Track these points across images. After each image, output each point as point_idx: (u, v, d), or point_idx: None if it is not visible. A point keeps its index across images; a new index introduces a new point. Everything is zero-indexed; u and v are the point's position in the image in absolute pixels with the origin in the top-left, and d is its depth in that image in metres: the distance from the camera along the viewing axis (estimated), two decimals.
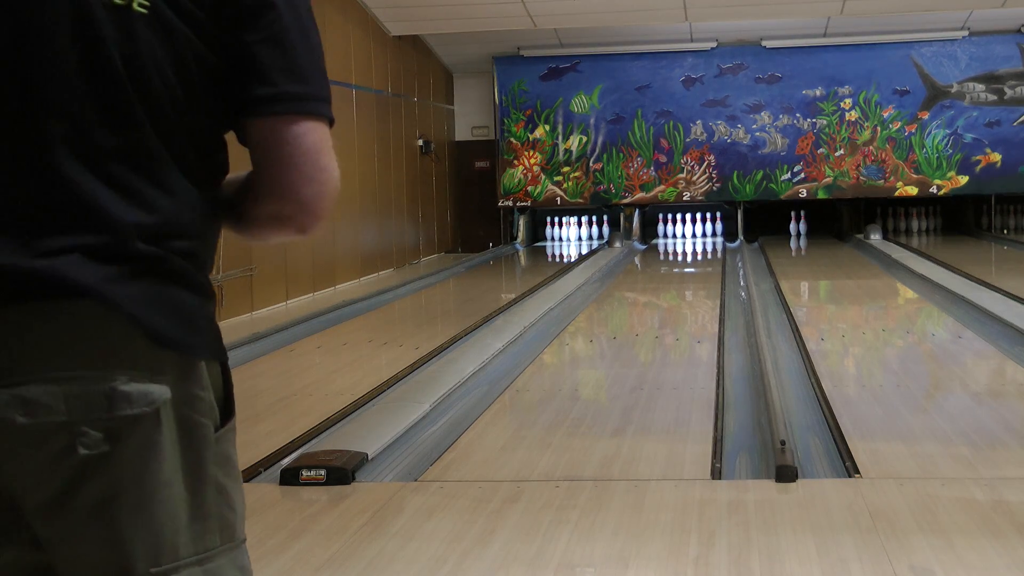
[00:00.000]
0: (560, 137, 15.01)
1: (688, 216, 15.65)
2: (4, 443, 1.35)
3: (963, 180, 14.52)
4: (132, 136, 1.39)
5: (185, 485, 1.42)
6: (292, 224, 1.50)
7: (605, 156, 14.97)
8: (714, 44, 14.63)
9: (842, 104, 14.62)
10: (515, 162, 15.09)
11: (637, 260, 13.50)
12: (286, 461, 4.32)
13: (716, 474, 4.14)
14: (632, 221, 15.35)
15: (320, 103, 1.48)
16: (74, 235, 1.36)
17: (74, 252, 1.35)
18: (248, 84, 1.44)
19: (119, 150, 1.38)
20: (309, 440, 4.69)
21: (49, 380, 1.34)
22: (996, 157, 14.43)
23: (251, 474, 4.20)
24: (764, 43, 14.54)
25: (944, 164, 14.51)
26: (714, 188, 14.87)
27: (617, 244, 14.34)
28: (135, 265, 1.37)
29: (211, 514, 1.45)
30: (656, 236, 15.68)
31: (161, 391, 1.38)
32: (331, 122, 1.51)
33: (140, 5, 1.38)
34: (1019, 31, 14.22)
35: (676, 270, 13.06)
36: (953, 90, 14.42)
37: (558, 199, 15.07)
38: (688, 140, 14.85)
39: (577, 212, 15.55)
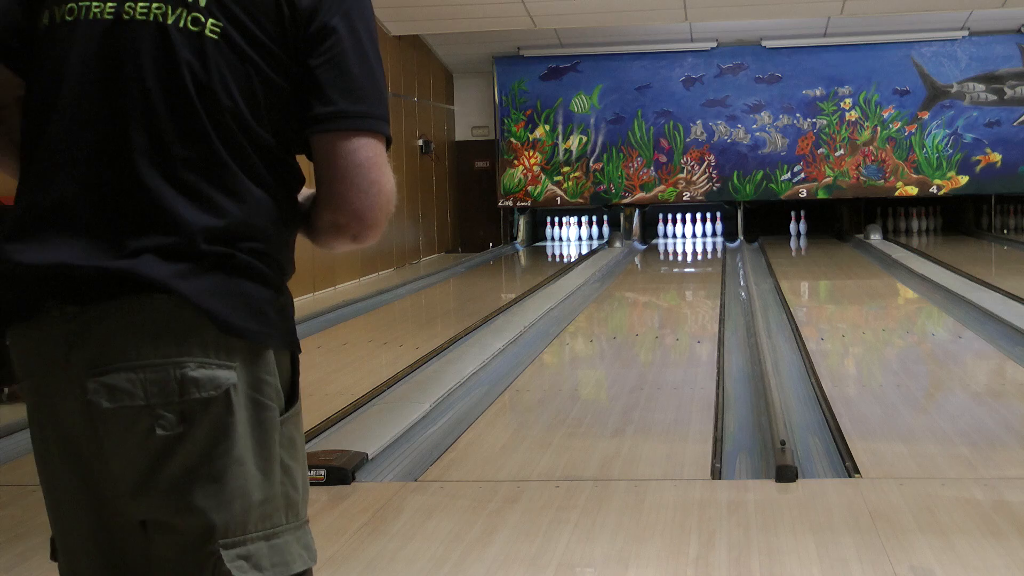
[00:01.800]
0: (560, 137, 15.01)
1: (688, 216, 15.65)
2: (99, 428, 1.52)
3: (963, 180, 14.52)
4: (201, 147, 1.54)
5: (255, 464, 1.55)
6: (347, 232, 1.64)
7: (605, 156, 14.96)
8: (714, 44, 14.62)
9: (842, 104, 14.62)
10: (515, 162, 15.09)
11: (637, 260, 13.50)
12: None
13: (716, 474, 4.14)
14: (632, 221, 15.34)
15: (374, 121, 1.60)
16: (149, 237, 1.51)
17: (149, 252, 1.50)
18: (310, 103, 1.59)
19: (191, 160, 1.53)
20: (309, 440, 4.69)
21: (129, 368, 1.50)
22: (996, 157, 14.42)
23: None
24: (764, 43, 14.54)
25: (944, 164, 14.51)
26: (714, 188, 14.87)
27: (617, 244, 14.33)
28: (204, 262, 1.52)
29: (277, 493, 1.58)
30: (656, 236, 15.67)
31: (228, 376, 1.52)
32: (388, 139, 1.63)
33: (211, 32, 1.55)
34: (1019, 31, 14.21)
35: (676, 270, 13.06)
36: (953, 90, 14.41)
37: (558, 199, 15.06)
38: (688, 140, 14.84)
39: (577, 212, 15.55)
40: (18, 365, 1.61)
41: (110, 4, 1.57)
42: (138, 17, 1.56)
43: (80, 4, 1.59)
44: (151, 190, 1.52)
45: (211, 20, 1.55)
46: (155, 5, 1.56)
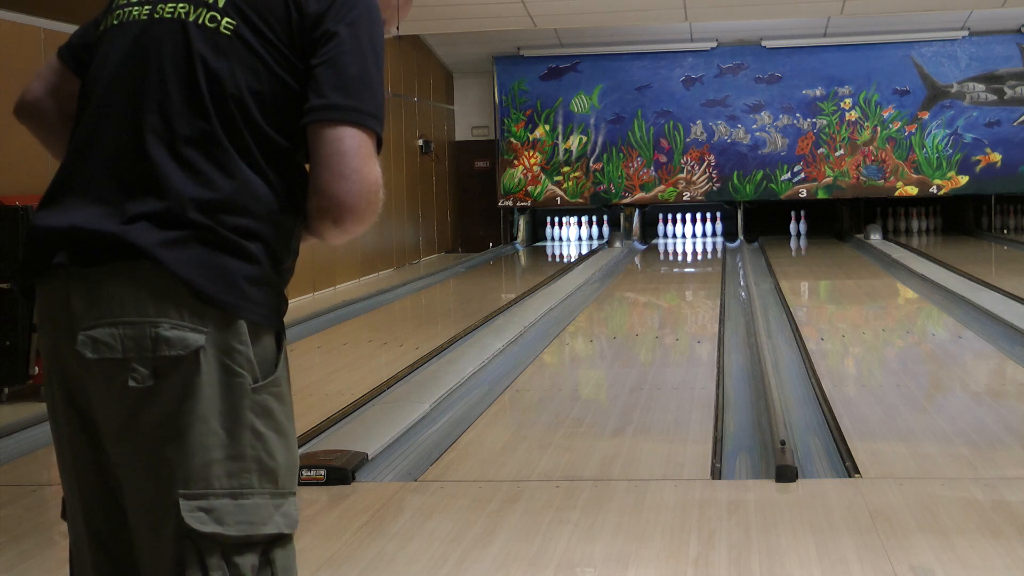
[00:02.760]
0: (560, 137, 15.01)
1: (688, 216, 15.64)
2: (86, 376, 1.69)
3: (963, 180, 14.52)
4: (202, 127, 1.70)
5: (221, 424, 1.66)
6: (328, 217, 1.73)
7: (605, 156, 14.96)
8: (714, 44, 14.63)
9: (842, 104, 14.62)
10: (515, 162, 15.09)
11: (637, 260, 13.50)
12: None
13: (716, 474, 4.14)
14: (632, 221, 15.34)
15: (363, 116, 1.73)
16: (146, 203, 1.68)
17: (144, 219, 1.66)
18: (308, 97, 1.73)
19: (192, 138, 1.69)
20: (309, 440, 4.69)
21: (112, 324, 1.65)
22: (996, 157, 14.42)
23: None
24: (764, 43, 14.54)
25: (944, 164, 14.51)
26: (714, 188, 14.87)
27: (617, 244, 14.33)
28: (189, 232, 1.66)
29: (247, 455, 1.68)
30: (656, 236, 15.67)
31: (196, 339, 1.65)
32: (378, 137, 1.75)
33: (225, 28, 1.74)
34: (1019, 31, 14.22)
35: (676, 270, 13.06)
36: (953, 90, 14.41)
37: (558, 199, 15.06)
38: (688, 140, 14.84)
39: (577, 212, 15.54)
40: (36, 318, 1.79)
41: (146, 7, 1.79)
42: (166, 16, 1.77)
43: (126, 9, 1.82)
44: (154, 162, 1.69)
45: (226, 18, 1.74)
46: (180, 5, 1.77)
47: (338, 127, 1.71)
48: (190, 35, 1.74)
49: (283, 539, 1.71)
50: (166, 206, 1.66)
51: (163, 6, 1.78)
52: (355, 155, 1.71)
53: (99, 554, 1.76)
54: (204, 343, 1.65)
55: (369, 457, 4.35)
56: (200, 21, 1.74)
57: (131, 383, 1.64)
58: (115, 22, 1.82)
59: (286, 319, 1.80)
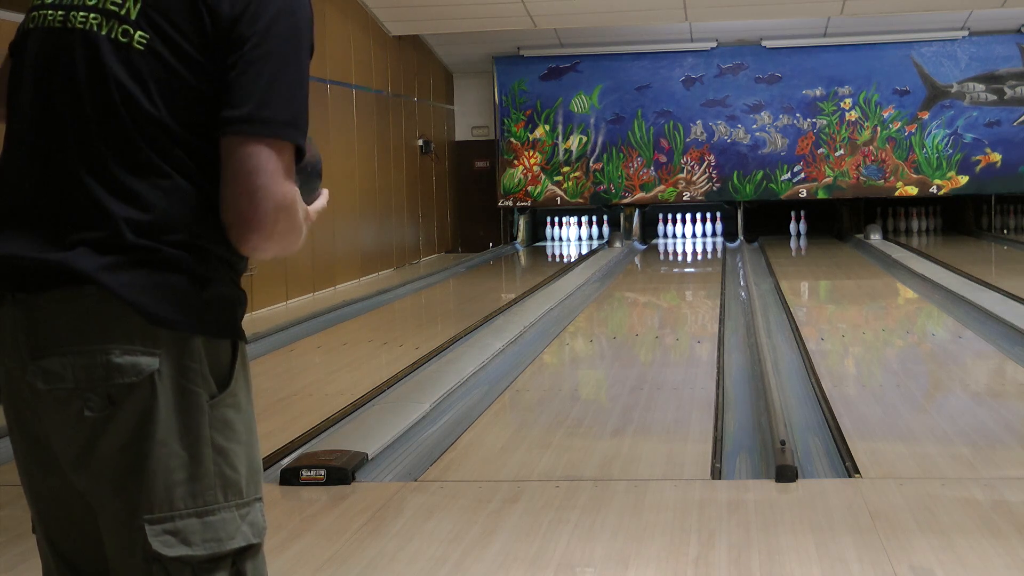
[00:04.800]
0: (560, 137, 15.00)
1: (688, 216, 15.64)
2: (38, 406, 1.67)
3: (963, 180, 14.51)
4: (126, 148, 1.64)
5: (181, 445, 1.64)
6: (233, 233, 1.66)
7: (605, 156, 14.96)
8: (714, 44, 14.62)
9: (842, 104, 14.62)
10: (515, 162, 15.09)
11: (637, 260, 13.50)
12: (286, 461, 4.33)
13: (716, 474, 4.14)
14: (632, 221, 15.33)
15: (274, 126, 1.64)
16: (84, 231, 1.63)
17: (82, 246, 1.62)
18: (221, 108, 1.65)
19: (118, 160, 1.64)
20: (309, 440, 4.69)
21: (61, 353, 1.62)
22: (996, 157, 14.42)
23: None
24: (764, 43, 14.54)
25: (944, 164, 14.51)
26: (714, 188, 14.87)
27: (617, 244, 14.33)
28: (131, 255, 1.62)
29: (209, 472, 1.66)
30: (656, 236, 15.67)
31: (150, 363, 1.62)
32: (296, 146, 1.65)
33: (138, 43, 1.66)
34: (1019, 31, 14.21)
35: (676, 270, 13.06)
36: (953, 90, 14.41)
37: (558, 199, 15.06)
38: (688, 140, 14.84)
39: (577, 212, 15.54)
40: None
41: (60, 13, 1.71)
42: (78, 26, 1.69)
43: (41, 12, 1.74)
44: (85, 187, 1.64)
45: (139, 32, 1.66)
46: (92, 16, 1.68)
47: (247, 142, 1.62)
48: (103, 50, 1.66)
49: (252, 549, 1.70)
50: (104, 231, 1.62)
51: (76, 14, 1.69)
52: (259, 172, 1.62)
53: (68, 574, 1.77)
54: (158, 366, 1.62)
55: (369, 457, 4.35)
56: (113, 36, 1.66)
57: (87, 413, 1.62)
58: (31, 26, 1.75)
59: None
